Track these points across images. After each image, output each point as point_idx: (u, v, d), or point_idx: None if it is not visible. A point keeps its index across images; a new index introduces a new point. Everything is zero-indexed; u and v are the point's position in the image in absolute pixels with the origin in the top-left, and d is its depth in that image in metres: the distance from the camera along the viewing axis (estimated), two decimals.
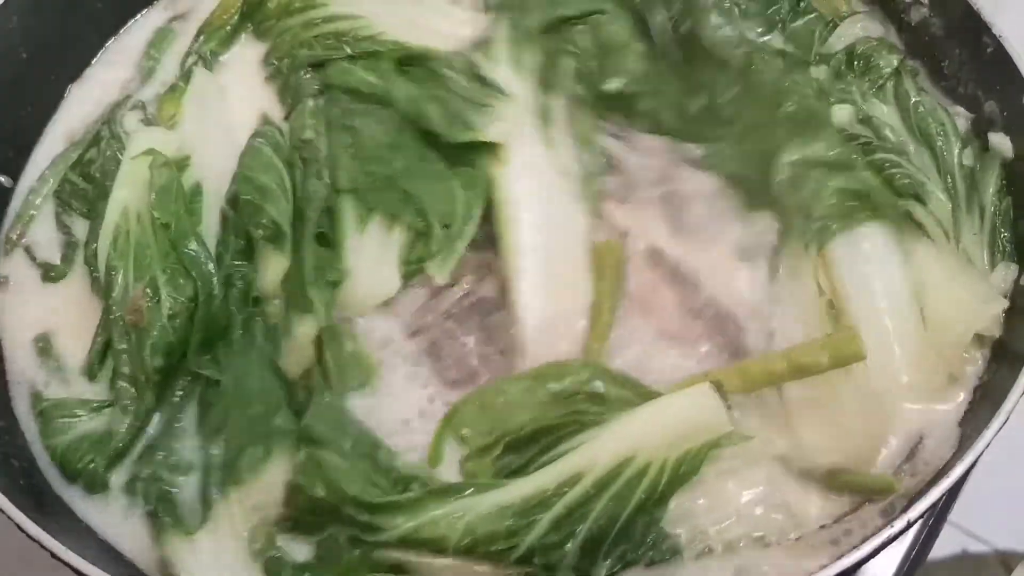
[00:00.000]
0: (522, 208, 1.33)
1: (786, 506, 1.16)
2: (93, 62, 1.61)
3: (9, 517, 1.08)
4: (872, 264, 1.25)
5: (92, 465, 1.21)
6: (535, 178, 1.35)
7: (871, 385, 1.18)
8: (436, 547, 1.08)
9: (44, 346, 1.33)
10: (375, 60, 1.44)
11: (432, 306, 1.29)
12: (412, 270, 1.30)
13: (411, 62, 1.44)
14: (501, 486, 1.09)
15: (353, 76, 1.43)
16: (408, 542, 1.08)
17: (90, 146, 1.47)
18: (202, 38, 1.57)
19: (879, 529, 1.09)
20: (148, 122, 1.48)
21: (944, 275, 1.25)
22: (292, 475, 1.14)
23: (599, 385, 1.17)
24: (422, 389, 1.24)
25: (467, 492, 1.09)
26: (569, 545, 1.08)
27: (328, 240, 1.29)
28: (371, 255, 1.29)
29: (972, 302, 1.25)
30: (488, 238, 1.33)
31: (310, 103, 1.43)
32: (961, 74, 1.48)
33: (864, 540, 1.09)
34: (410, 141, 1.37)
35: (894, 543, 1.12)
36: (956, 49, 1.48)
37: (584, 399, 1.16)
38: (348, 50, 1.45)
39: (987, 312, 1.25)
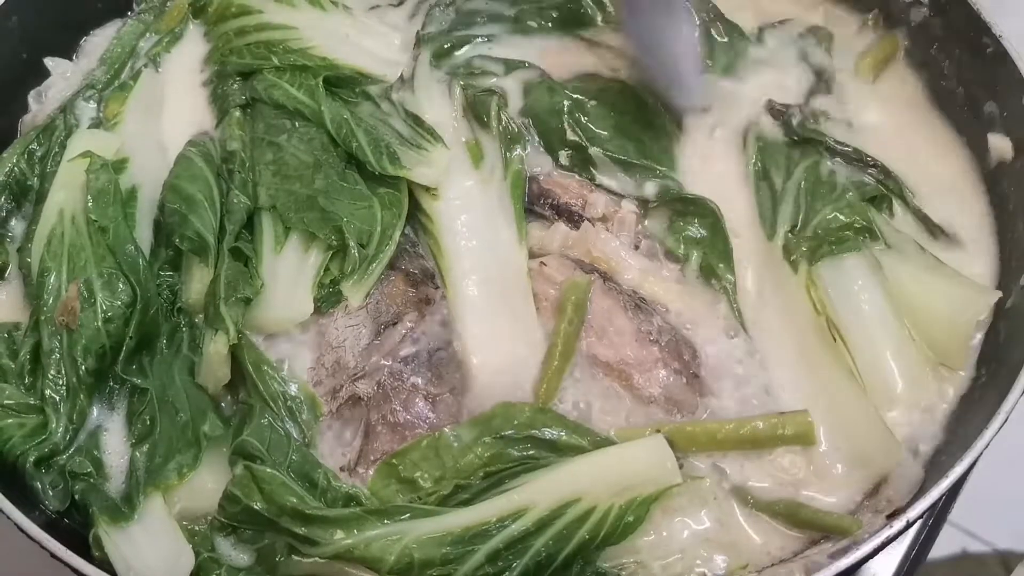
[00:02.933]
0: (460, 240, 1.34)
1: (733, 544, 1.17)
2: (73, 57, 1.62)
3: (8, 517, 1.08)
4: (858, 282, 1.28)
5: (22, 459, 1.20)
6: (471, 212, 1.36)
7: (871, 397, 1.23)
8: (371, 567, 1.07)
9: None
10: (303, 75, 1.43)
11: (376, 346, 1.27)
12: (328, 294, 1.29)
13: (341, 82, 1.44)
14: (442, 513, 1.10)
15: (280, 90, 1.43)
16: (343, 558, 1.08)
17: (41, 133, 1.46)
18: (153, 38, 1.58)
19: (879, 529, 1.08)
20: (98, 121, 1.48)
21: (926, 279, 1.30)
22: (229, 486, 1.13)
23: (551, 432, 1.17)
24: (360, 436, 1.23)
25: (406, 516, 1.09)
26: None
27: (245, 255, 1.29)
28: (286, 277, 1.29)
29: (964, 296, 1.29)
30: (425, 273, 1.33)
31: (236, 114, 1.43)
32: (961, 74, 1.48)
33: (864, 540, 1.08)
34: (333, 160, 1.38)
35: (894, 543, 1.12)
36: (956, 49, 1.48)
37: (536, 444, 1.16)
38: (276, 60, 1.45)
39: (983, 302, 1.29)
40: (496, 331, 1.29)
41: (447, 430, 1.17)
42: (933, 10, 1.52)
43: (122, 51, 1.57)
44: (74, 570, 1.08)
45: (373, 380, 1.24)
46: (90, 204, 1.30)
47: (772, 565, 1.15)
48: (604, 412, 1.24)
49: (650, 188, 1.40)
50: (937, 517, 1.49)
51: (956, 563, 1.73)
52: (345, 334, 1.28)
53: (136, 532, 1.15)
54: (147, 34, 1.60)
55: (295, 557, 1.11)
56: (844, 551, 1.08)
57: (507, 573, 1.07)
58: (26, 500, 1.17)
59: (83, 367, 1.23)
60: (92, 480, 1.20)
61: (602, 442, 1.17)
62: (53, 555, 1.09)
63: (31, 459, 1.19)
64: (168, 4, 1.63)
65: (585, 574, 1.11)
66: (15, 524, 1.10)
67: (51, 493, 1.19)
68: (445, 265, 1.32)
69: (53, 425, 1.22)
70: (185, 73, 1.56)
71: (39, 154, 1.45)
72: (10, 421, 1.21)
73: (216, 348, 1.21)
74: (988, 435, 1.13)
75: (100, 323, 1.24)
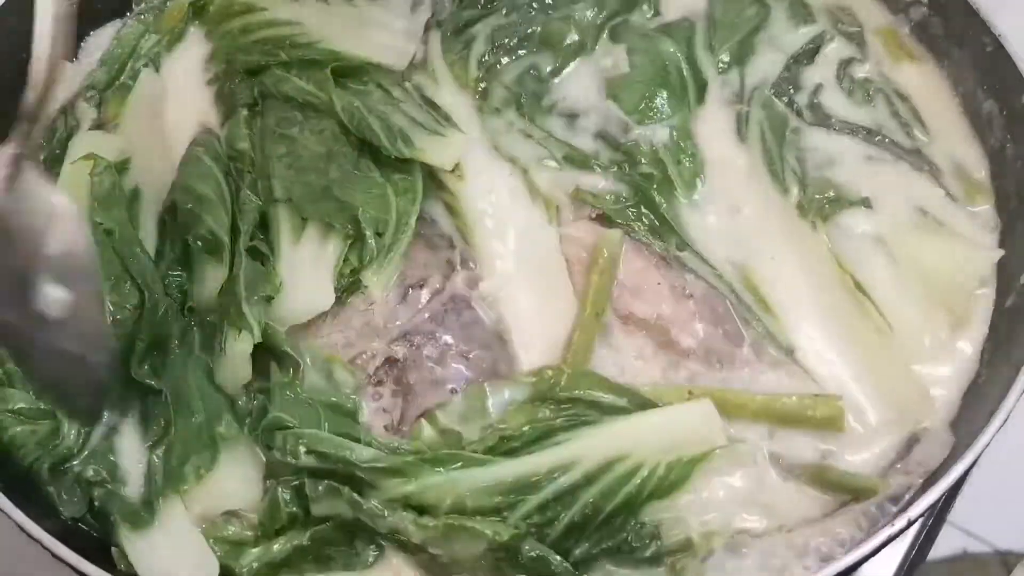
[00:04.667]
0: (487, 220, 1.37)
1: (769, 505, 1.20)
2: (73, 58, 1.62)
3: (9, 516, 1.08)
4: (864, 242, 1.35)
5: (36, 463, 1.20)
6: (497, 191, 1.40)
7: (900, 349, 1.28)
8: (429, 512, 1.12)
9: None
10: (312, 69, 1.45)
11: (404, 308, 1.31)
12: (348, 283, 1.31)
13: (349, 73, 1.46)
14: (493, 463, 1.14)
15: (289, 84, 1.44)
16: (401, 503, 1.12)
17: (47, 135, 1.47)
18: (152, 39, 1.59)
19: (879, 529, 1.08)
20: (98, 122, 1.49)
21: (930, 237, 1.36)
22: (273, 456, 1.16)
23: (597, 393, 1.21)
24: (400, 396, 1.26)
25: (458, 464, 1.14)
26: (551, 528, 1.12)
27: (261, 254, 1.30)
28: (306, 268, 1.30)
29: (966, 249, 1.35)
30: (444, 238, 1.37)
31: (244, 112, 1.44)
32: (960, 74, 1.48)
33: (864, 540, 1.08)
34: (345, 150, 1.39)
35: (894, 543, 1.12)
36: (956, 49, 1.48)
37: (579, 404, 1.20)
38: (284, 56, 1.47)
39: (986, 256, 1.34)
40: (530, 297, 1.33)
41: (489, 385, 1.22)
42: (932, 9, 1.53)
43: (122, 51, 1.58)
44: (74, 570, 1.08)
45: (406, 341, 1.28)
46: (96, 206, 1.30)
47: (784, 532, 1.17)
48: (641, 366, 1.29)
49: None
50: (937, 517, 1.49)
51: (956, 563, 1.73)
52: (373, 296, 1.32)
53: (158, 537, 1.16)
54: (147, 34, 1.60)
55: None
56: (844, 552, 1.09)
57: (555, 523, 1.12)
58: (40, 507, 1.16)
59: None
60: (110, 486, 1.20)
61: (642, 403, 1.21)
62: (54, 555, 1.09)
63: (45, 465, 1.19)
64: (168, 4, 1.64)
65: (627, 526, 1.14)
66: (15, 524, 1.10)
67: (66, 499, 1.19)
68: (476, 242, 1.36)
69: (65, 430, 1.22)
70: (186, 73, 1.56)
71: (40, 157, 1.45)
72: (21, 428, 1.21)
73: (241, 348, 1.21)
74: (988, 435, 1.13)
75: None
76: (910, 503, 1.14)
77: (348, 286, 1.31)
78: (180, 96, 1.53)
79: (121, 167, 1.36)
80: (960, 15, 1.47)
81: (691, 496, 1.17)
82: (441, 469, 1.13)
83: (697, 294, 1.32)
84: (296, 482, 1.16)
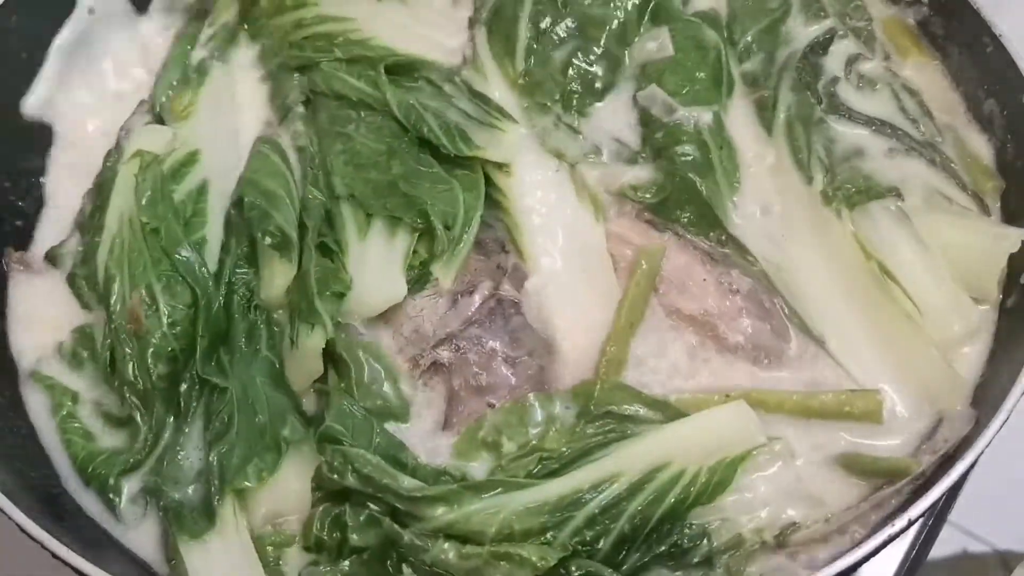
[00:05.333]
0: (535, 217, 1.38)
1: (812, 497, 1.22)
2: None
3: (10, 518, 1.09)
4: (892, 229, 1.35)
5: (105, 474, 1.24)
6: (545, 188, 1.41)
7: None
8: (473, 540, 1.12)
9: (66, 351, 1.35)
10: (364, 66, 1.46)
11: (454, 314, 1.32)
12: (418, 275, 1.34)
13: (400, 70, 1.47)
14: (534, 485, 1.15)
15: (340, 82, 1.45)
16: (445, 532, 1.13)
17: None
18: (209, 34, 1.57)
19: (879, 529, 1.08)
20: (156, 120, 1.50)
21: (956, 221, 1.37)
22: (321, 470, 1.19)
23: (632, 407, 1.24)
24: (444, 401, 1.29)
25: (498, 490, 1.15)
26: (602, 542, 1.13)
27: (329, 250, 1.32)
28: (375, 262, 1.32)
29: (995, 231, 1.36)
30: (497, 243, 1.39)
31: (300, 110, 1.46)
32: (961, 74, 1.48)
33: (864, 540, 1.08)
34: (406, 146, 1.41)
35: (894, 543, 1.13)
36: (956, 49, 1.48)
37: (617, 419, 1.23)
38: (339, 53, 1.47)
39: (1014, 235, 1.33)
40: (575, 296, 1.34)
41: (530, 397, 1.24)
42: (933, 9, 1.53)
43: (182, 46, 1.57)
44: (75, 570, 1.09)
45: (453, 345, 1.30)
46: (142, 204, 1.31)
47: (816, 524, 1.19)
48: (689, 364, 1.31)
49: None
50: (937, 517, 1.50)
51: (956, 563, 1.73)
52: (422, 304, 1.33)
53: (215, 545, 1.18)
54: (204, 27, 1.58)
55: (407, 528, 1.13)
56: (844, 551, 1.10)
57: (605, 536, 1.13)
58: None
59: (155, 373, 1.24)
60: (175, 493, 1.21)
61: (676, 415, 1.24)
62: (54, 555, 1.09)
63: (116, 470, 1.23)
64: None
65: (675, 531, 1.16)
66: (16, 524, 1.11)
67: (126, 509, 1.22)
68: (522, 240, 1.37)
69: (137, 438, 1.24)
70: (244, 69, 1.56)
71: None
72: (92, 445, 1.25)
73: (314, 343, 1.23)
74: (988, 435, 1.14)
75: (166, 328, 1.25)
76: (910, 503, 1.14)
77: (418, 277, 1.33)
78: (242, 92, 1.53)
79: (190, 159, 1.39)
80: (960, 15, 1.49)
81: (736, 496, 1.20)
82: (485, 495, 1.14)
83: (743, 289, 1.34)
84: (336, 511, 1.17)
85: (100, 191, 1.43)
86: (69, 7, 1.57)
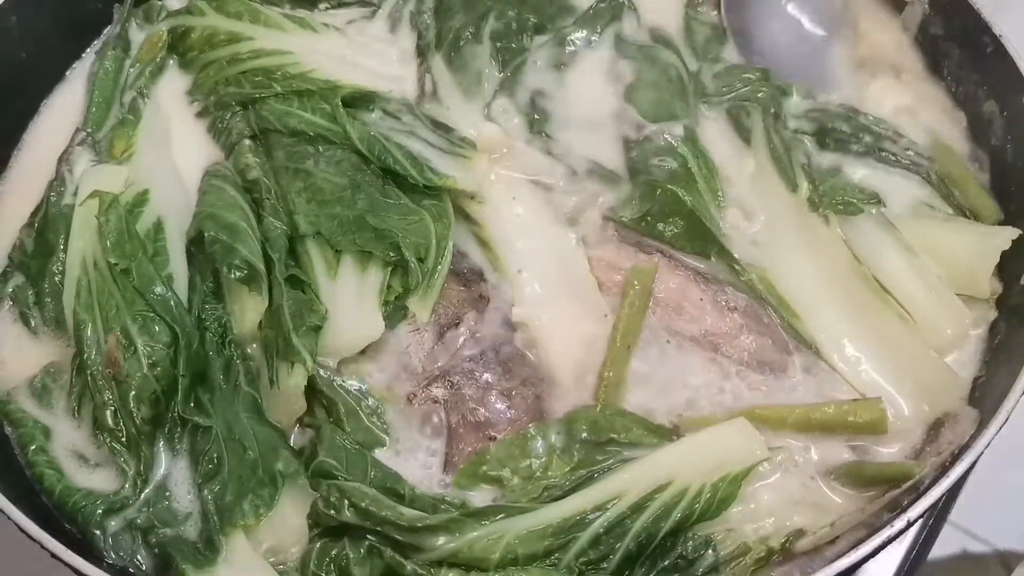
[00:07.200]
0: (515, 242, 1.38)
1: (816, 505, 1.22)
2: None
3: (9, 517, 1.09)
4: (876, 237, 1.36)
5: (89, 510, 1.20)
6: (521, 214, 1.40)
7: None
8: (477, 567, 1.11)
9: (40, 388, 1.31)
10: (311, 100, 1.43)
11: (442, 349, 1.30)
12: (394, 309, 1.31)
13: (354, 102, 1.45)
14: (536, 509, 1.14)
15: (295, 118, 1.42)
16: (449, 562, 1.11)
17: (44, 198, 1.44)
18: (134, 71, 1.55)
19: (879, 529, 1.08)
20: (98, 160, 1.47)
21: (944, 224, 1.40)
22: (319, 504, 1.16)
23: (632, 433, 1.23)
24: (438, 438, 1.27)
25: (500, 516, 1.14)
26: (607, 562, 1.13)
27: (301, 282, 1.30)
28: (349, 299, 1.29)
29: (984, 231, 1.37)
30: (475, 272, 1.37)
31: (247, 142, 1.43)
32: (961, 74, 1.49)
33: (864, 540, 1.08)
34: (370, 179, 1.38)
35: (894, 543, 1.13)
36: (956, 49, 1.49)
37: (618, 445, 1.22)
38: (278, 87, 1.44)
39: (1003, 234, 1.34)
40: (563, 320, 1.33)
41: (531, 428, 1.23)
42: (933, 9, 1.53)
43: (105, 87, 1.54)
44: (74, 570, 1.09)
45: (446, 382, 1.28)
46: (107, 246, 1.28)
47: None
48: (695, 384, 1.30)
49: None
50: (937, 517, 1.50)
51: (956, 563, 1.74)
52: (407, 340, 1.31)
53: (223, 571, 1.15)
54: (127, 67, 1.56)
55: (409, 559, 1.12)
56: (844, 551, 1.10)
57: (611, 556, 1.13)
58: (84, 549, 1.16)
59: (138, 416, 1.22)
60: (169, 530, 1.19)
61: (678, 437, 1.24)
62: (53, 555, 1.09)
63: (100, 510, 1.19)
64: (140, 35, 1.60)
65: (679, 543, 1.16)
66: (15, 524, 1.11)
67: (111, 544, 1.18)
68: (503, 268, 1.37)
69: (117, 481, 1.22)
70: (175, 104, 1.53)
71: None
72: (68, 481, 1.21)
73: (295, 381, 1.22)
74: (988, 435, 1.14)
75: (146, 369, 1.22)
76: (910, 503, 1.14)
77: (392, 313, 1.30)
78: (177, 128, 1.51)
79: (140, 199, 1.36)
80: (960, 15, 1.50)
81: (740, 507, 1.20)
82: (486, 521, 1.12)
83: (740, 306, 1.34)
84: (335, 549, 1.15)
85: (47, 229, 1.38)
86: (69, 7, 1.57)
